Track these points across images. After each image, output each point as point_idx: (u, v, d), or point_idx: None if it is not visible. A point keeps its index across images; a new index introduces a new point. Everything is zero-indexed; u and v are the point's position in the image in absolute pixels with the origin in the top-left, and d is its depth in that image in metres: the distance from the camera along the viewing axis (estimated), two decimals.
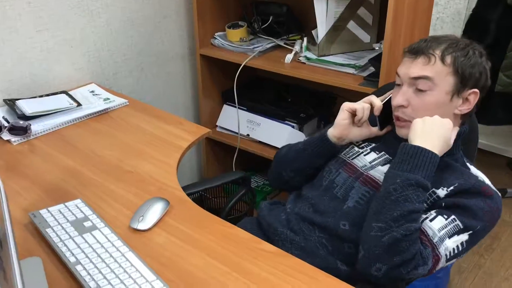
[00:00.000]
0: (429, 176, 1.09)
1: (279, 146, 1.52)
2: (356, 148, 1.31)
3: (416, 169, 1.09)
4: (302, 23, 2.21)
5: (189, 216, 1.18)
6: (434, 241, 1.09)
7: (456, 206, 1.12)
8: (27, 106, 1.60)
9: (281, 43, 2.16)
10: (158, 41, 2.15)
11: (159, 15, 2.10)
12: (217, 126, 2.39)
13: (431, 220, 1.11)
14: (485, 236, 1.17)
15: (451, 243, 1.10)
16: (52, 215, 1.15)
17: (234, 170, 2.47)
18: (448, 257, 1.11)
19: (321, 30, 1.97)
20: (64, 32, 1.78)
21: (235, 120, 2.28)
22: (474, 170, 1.22)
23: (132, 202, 1.22)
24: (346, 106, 1.27)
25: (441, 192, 1.14)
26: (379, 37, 2.01)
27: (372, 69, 1.86)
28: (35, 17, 1.68)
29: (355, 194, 1.22)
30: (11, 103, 1.63)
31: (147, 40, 2.10)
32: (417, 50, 1.17)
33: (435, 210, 1.12)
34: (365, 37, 2.03)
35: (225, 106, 2.36)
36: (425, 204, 1.12)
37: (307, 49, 2.08)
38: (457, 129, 1.19)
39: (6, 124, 1.52)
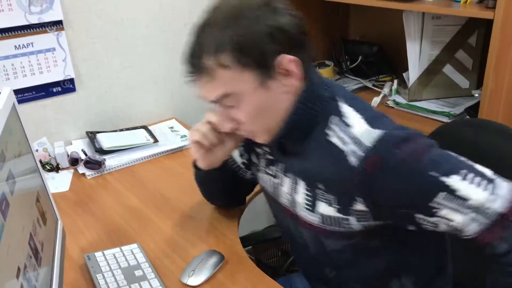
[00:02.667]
0: None
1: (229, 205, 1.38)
2: (274, 180, 1.08)
3: None
4: (394, 65, 2.07)
5: (243, 276, 1.09)
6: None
7: (407, 206, 0.87)
8: (105, 140, 1.63)
9: (369, 85, 2.04)
10: None
11: None
12: None
13: (451, 222, 0.85)
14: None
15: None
16: (106, 259, 1.13)
17: None
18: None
19: (413, 73, 1.82)
20: (149, 69, 1.82)
21: None
22: (337, 131, 0.92)
23: (187, 252, 1.17)
24: (188, 138, 1.10)
25: (360, 206, 0.90)
26: (479, 83, 1.81)
27: (468, 118, 1.67)
28: (121, 54, 1.73)
29: (308, 239, 1.05)
30: (92, 136, 1.67)
31: None
32: (191, 65, 0.92)
33: (424, 217, 0.87)
34: (463, 82, 1.85)
35: None
36: (362, 224, 0.92)
37: (397, 92, 1.93)
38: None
39: (83, 157, 1.55)
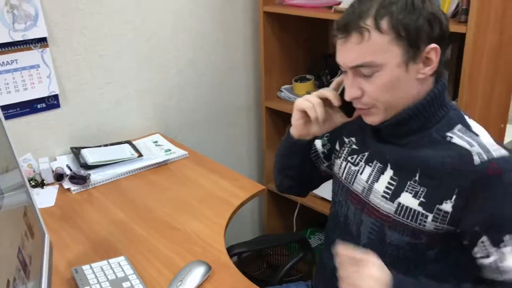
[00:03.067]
0: None
1: (289, 193, 1.41)
2: (353, 167, 1.14)
3: None
4: None
5: (230, 285, 1.11)
6: None
7: (491, 224, 0.94)
8: (90, 155, 1.64)
9: None
10: (224, 93, 2.16)
11: (226, 67, 2.12)
12: None
13: (505, 260, 0.94)
14: None
15: None
16: (93, 272, 1.13)
17: (294, 225, 2.39)
18: None
19: None
20: (134, 83, 1.84)
21: None
22: (462, 136, 0.98)
23: (174, 263, 1.19)
24: (296, 105, 1.14)
25: (446, 206, 0.97)
26: (456, 95, 1.87)
27: None
28: (105, 69, 1.75)
29: (365, 229, 1.10)
30: (76, 151, 1.68)
31: (213, 91, 2.11)
32: (345, 26, 0.95)
33: (487, 247, 0.95)
34: None
35: None
36: (435, 224, 0.98)
37: None
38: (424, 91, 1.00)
39: (68, 172, 1.56)
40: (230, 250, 1.47)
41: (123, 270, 1.14)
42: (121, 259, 1.18)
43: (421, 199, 1.00)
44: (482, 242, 0.95)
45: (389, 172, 1.06)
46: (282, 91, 2.18)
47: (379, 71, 0.95)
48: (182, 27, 1.91)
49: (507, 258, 0.93)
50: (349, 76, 0.99)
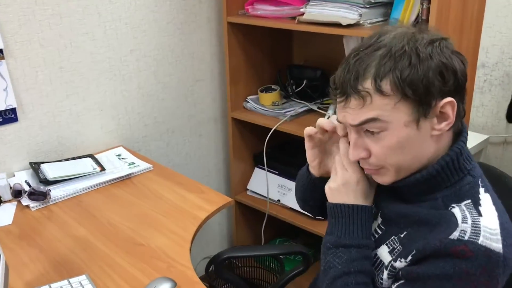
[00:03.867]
0: (352, 230, 0.95)
1: (311, 214, 1.37)
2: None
3: (333, 229, 0.97)
4: None
5: None
6: None
7: (411, 278, 0.87)
8: (50, 170, 1.59)
9: (315, 107, 2.10)
10: (190, 104, 2.14)
11: (192, 78, 2.10)
12: (247, 189, 2.32)
13: None
14: None
15: None
16: None
17: (263, 236, 2.37)
18: None
19: None
20: (95, 96, 1.80)
21: (266, 184, 2.20)
22: (464, 210, 0.86)
23: (138, 281, 1.15)
24: (306, 131, 1.05)
25: (399, 264, 0.90)
26: None
27: None
28: (66, 82, 1.70)
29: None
30: (36, 167, 1.63)
31: (179, 103, 2.09)
32: (343, 89, 0.87)
33: (395, 287, 0.90)
34: None
35: (256, 170, 2.30)
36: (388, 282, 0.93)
37: None
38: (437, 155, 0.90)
39: (26, 188, 1.50)
40: (220, 256, 1.44)
41: None
42: (83, 278, 1.14)
43: (393, 256, 0.93)
44: (396, 283, 0.91)
45: (378, 220, 1.01)
46: (248, 102, 2.17)
47: (385, 130, 0.86)
48: (142, 39, 1.89)
49: None
50: (352, 134, 0.91)
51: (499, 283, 0.83)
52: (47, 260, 1.24)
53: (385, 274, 0.94)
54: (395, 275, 0.92)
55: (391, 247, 0.95)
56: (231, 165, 2.26)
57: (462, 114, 0.90)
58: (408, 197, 0.95)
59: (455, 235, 0.83)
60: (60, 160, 1.70)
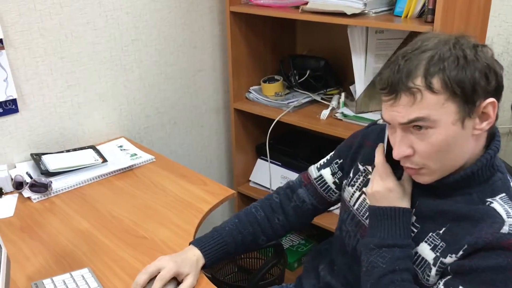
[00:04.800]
0: (394, 231, 0.98)
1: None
2: (364, 196, 1.12)
3: (375, 231, 0.99)
4: (341, 78, 2.13)
5: None
6: None
7: (462, 271, 0.89)
8: (51, 162, 1.58)
9: (318, 98, 2.08)
10: (192, 95, 2.12)
11: (193, 68, 2.08)
12: (250, 181, 2.30)
13: None
14: None
15: None
16: (55, 285, 1.08)
17: None
18: None
19: (359, 86, 1.88)
20: (96, 87, 1.78)
21: (269, 176, 2.19)
22: (504, 204, 0.91)
23: None
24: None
25: (449, 260, 0.92)
26: None
27: None
28: (67, 72, 1.68)
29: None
30: (37, 158, 1.61)
31: (181, 93, 2.07)
32: (393, 88, 0.90)
33: (443, 282, 0.92)
34: None
35: (258, 161, 2.28)
36: (428, 273, 0.95)
37: (345, 105, 1.98)
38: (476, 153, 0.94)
39: (28, 180, 1.49)
40: None
41: (86, 283, 1.09)
42: (85, 271, 1.13)
43: (437, 253, 0.95)
44: (444, 278, 0.93)
45: (412, 218, 1.01)
46: (250, 92, 2.15)
47: (433, 128, 0.89)
48: (144, 29, 1.86)
49: None
50: (398, 132, 0.93)
51: None
52: (48, 253, 1.23)
53: (433, 271, 0.95)
54: (443, 271, 0.94)
55: (432, 244, 0.96)
56: (234, 156, 2.24)
57: (497, 117, 0.94)
58: (443, 194, 0.97)
59: (505, 229, 0.87)
60: (62, 152, 1.69)
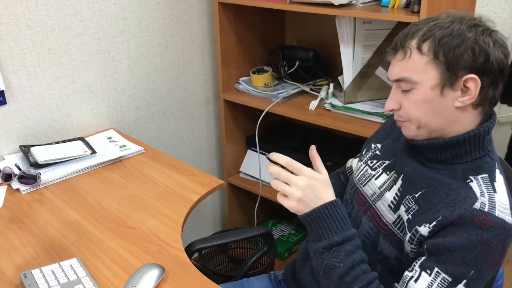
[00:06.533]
0: (336, 227, 0.99)
1: None
2: (370, 171, 1.18)
3: (317, 234, 1.00)
4: (329, 69, 2.14)
5: (187, 284, 1.09)
6: None
7: (436, 251, 0.93)
8: (40, 154, 1.58)
9: (307, 89, 2.09)
10: (182, 86, 2.12)
11: (182, 60, 2.08)
12: (240, 172, 2.31)
13: (415, 281, 0.95)
14: (490, 277, 0.96)
15: None
16: (44, 276, 1.08)
17: (255, 218, 2.38)
18: None
19: (348, 76, 1.89)
20: (84, 78, 1.77)
21: (259, 166, 2.20)
22: (481, 185, 0.96)
23: (129, 264, 1.15)
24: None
25: (423, 229, 0.97)
26: None
27: None
28: (55, 64, 1.68)
29: (361, 231, 1.13)
30: (26, 150, 1.61)
31: (170, 85, 2.07)
32: (395, 43, 1.01)
33: (418, 264, 0.95)
34: None
35: (248, 152, 2.29)
36: (410, 246, 0.99)
37: (333, 95, 1.99)
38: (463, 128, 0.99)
39: (16, 172, 1.49)
40: (191, 247, 1.44)
41: (75, 273, 1.10)
42: (74, 261, 1.14)
43: (409, 216, 1.00)
44: (419, 260, 0.96)
45: (398, 184, 1.08)
46: (240, 83, 2.16)
47: (415, 88, 0.98)
48: (132, 20, 1.86)
49: (418, 282, 0.94)
50: (392, 89, 1.04)
51: (506, 253, 0.94)
52: (37, 243, 1.23)
53: (408, 237, 1.00)
54: (418, 247, 0.98)
55: (406, 206, 1.02)
56: (224, 147, 2.25)
57: (493, 101, 0.98)
58: (432, 165, 1.03)
59: (477, 205, 0.92)
60: (51, 143, 1.69)
